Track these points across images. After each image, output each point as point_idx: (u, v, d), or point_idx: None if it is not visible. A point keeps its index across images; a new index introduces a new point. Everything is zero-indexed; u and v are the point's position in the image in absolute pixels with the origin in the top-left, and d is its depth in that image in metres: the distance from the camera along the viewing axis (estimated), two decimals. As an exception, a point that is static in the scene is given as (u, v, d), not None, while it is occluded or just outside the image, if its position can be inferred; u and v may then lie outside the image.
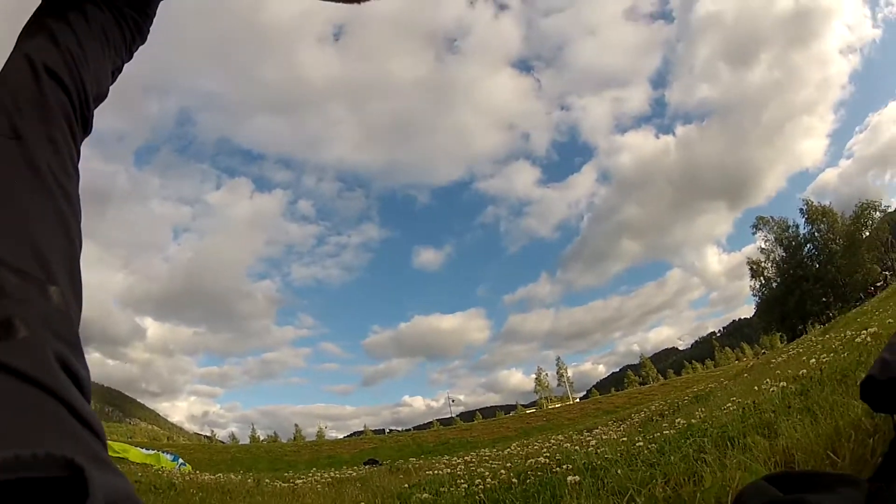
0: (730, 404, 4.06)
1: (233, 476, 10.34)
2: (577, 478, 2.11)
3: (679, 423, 4.06)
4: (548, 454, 3.98)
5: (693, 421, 3.69)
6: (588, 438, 6.01)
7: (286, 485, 5.27)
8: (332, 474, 6.68)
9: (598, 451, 3.37)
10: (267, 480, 5.69)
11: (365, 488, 4.08)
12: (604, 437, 5.79)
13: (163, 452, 26.88)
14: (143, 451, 27.28)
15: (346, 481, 5.31)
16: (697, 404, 7.32)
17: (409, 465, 7.48)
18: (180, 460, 24.68)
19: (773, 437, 2.15)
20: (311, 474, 7.45)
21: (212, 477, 6.64)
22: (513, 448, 7.59)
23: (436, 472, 5.01)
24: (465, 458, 7.31)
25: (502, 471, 3.20)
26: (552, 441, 7.74)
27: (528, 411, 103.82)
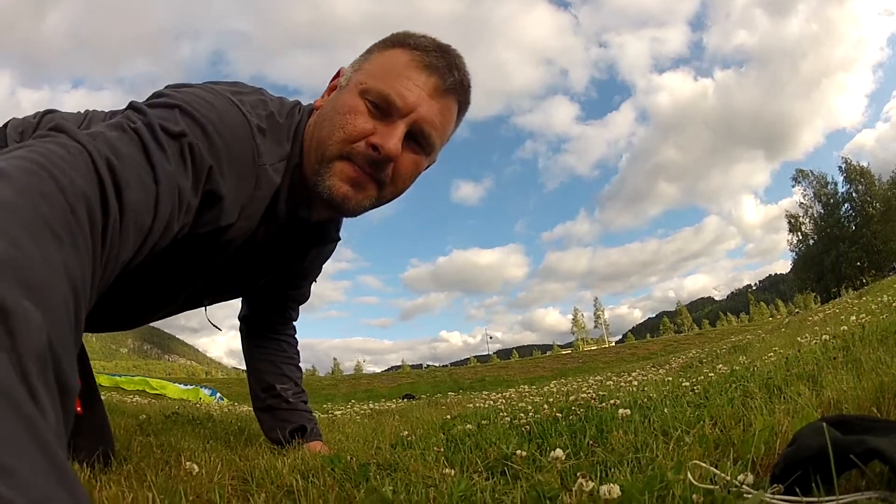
0: (771, 354, 4.04)
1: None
2: (628, 411, 2.12)
3: (721, 369, 4.05)
4: (590, 391, 3.99)
5: (736, 367, 3.68)
6: (629, 379, 6.00)
7: (325, 415, 5.34)
8: (370, 406, 6.75)
9: (643, 389, 3.38)
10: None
11: (405, 420, 4.12)
12: (644, 378, 5.78)
13: (201, 387, 27.14)
14: (182, 386, 27.52)
15: (385, 413, 5.36)
16: (737, 353, 7.27)
17: (448, 400, 7.53)
18: (218, 394, 24.94)
19: (818, 388, 2.15)
20: (349, 406, 7.51)
21: (249, 409, 6.76)
22: (551, 386, 7.61)
23: (476, 405, 5.04)
24: (504, 393, 7.33)
25: (545, 405, 3.22)
26: (591, 381, 7.74)
27: (563, 352, 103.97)
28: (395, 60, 1.73)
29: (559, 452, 1.61)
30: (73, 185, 0.93)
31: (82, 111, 2.16)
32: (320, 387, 49.86)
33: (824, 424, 1.05)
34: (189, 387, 27.51)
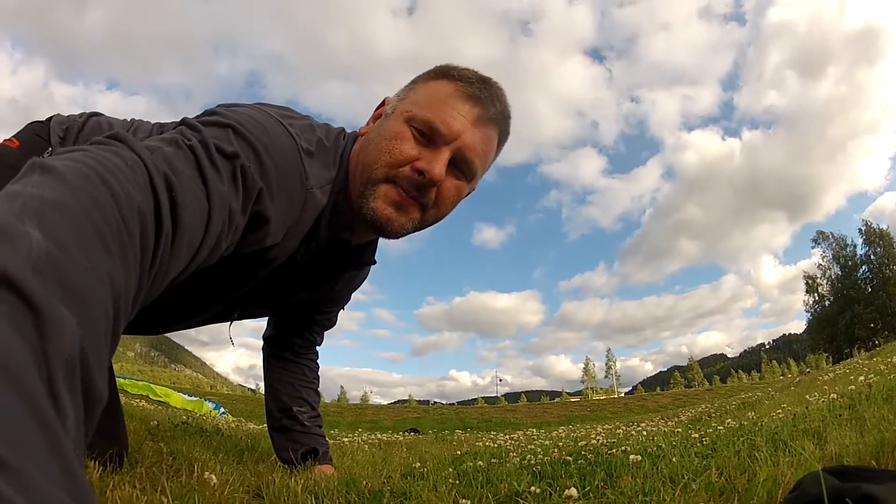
0: (780, 411, 4.07)
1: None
2: (638, 457, 2.17)
3: (729, 423, 4.09)
4: (599, 438, 4.02)
5: (744, 423, 3.72)
6: (639, 429, 6.00)
7: (333, 441, 5.37)
8: (377, 436, 6.77)
9: (652, 439, 3.42)
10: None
11: (413, 452, 4.15)
12: (653, 429, 5.79)
13: (205, 400, 26.98)
14: (186, 396, 27.21)
15: (393, 444, 5.38)
16: (746, 409, 7.28)
17: (455, 438, 7.53)
18: (222, 409, 24.79)
19: (822, 443, 2.20)
20: (356, 434, 7.54)
21: (257, 427, 6.76)
22: (560, 431, 7.62)
23: (485, 443, 5.07)
24: (512, 435, 7.34)
25: (554, 449, 3.26)
26: (599, 429, 7.74)
27: (572, 399, 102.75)
28: (440, 90, 1.79)
29: (573, 492, 1.67)
30: (129, 197, 0.94)
31: (128, 119, 2.24)
32: (325, 412, 47.85)
33: (822, 472, 1.11)
34: (194, 398, 27.26)
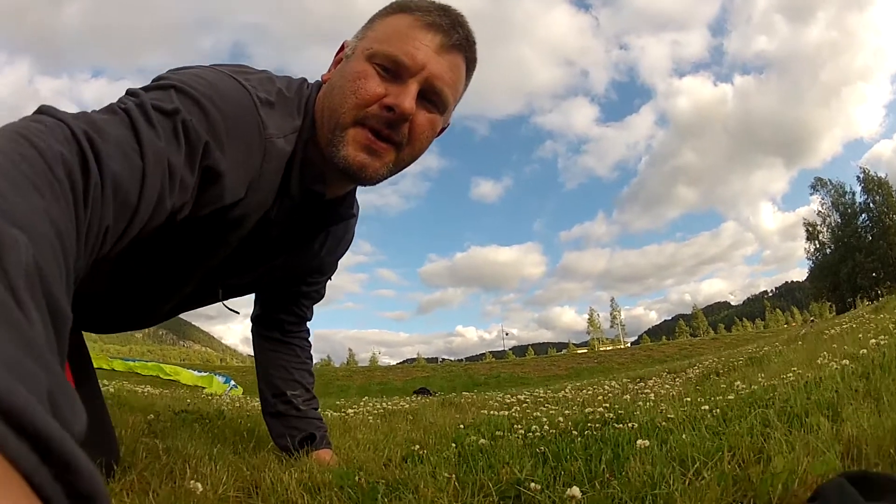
0: (790, 375, 3.97)
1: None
2: (646, 442, 2.09)
3: (738, 386, 4.00)
4: (606, 404, 3.94)
5: (755, 387, 3.62)
6: (645, 390, 5.93)
7: (337, 414, 5.30)
8: (383, 405, 6.72)
9: (661, 409, 3.34)
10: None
11: (416, 424, 4.08)
12: (661, 390, 5.71)
13: (215, 375, 27.20)
14: (196, 373, 27.62)
15: (398, 414, 5.31)
16: (753, 367, 7.20)
17: (462, 400, 7.47)
18: (232, 382, 25.01)
19: (838, 420, 2.11)
20: (362, 404, 7.49)
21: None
22: (567, 391, 7.49)
23: (490, 411, 5.00)
24: (519, 396, 7.26)
25: (560, 418, 3.18)
26: (606, 387, 7.67)
27: (579, 351, 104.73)
28: (399, 23, 1.74)
29: (576, 491, 1.59)
30: (51, 148, 0.95)
31: None
32: (335, 378, 50.19)
33: (844, 481, 1.02)
34: (203, 374, 27.60)
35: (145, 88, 1.39)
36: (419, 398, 9.34)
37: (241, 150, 1.55)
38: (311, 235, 2.24)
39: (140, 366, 28.24)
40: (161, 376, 25.11)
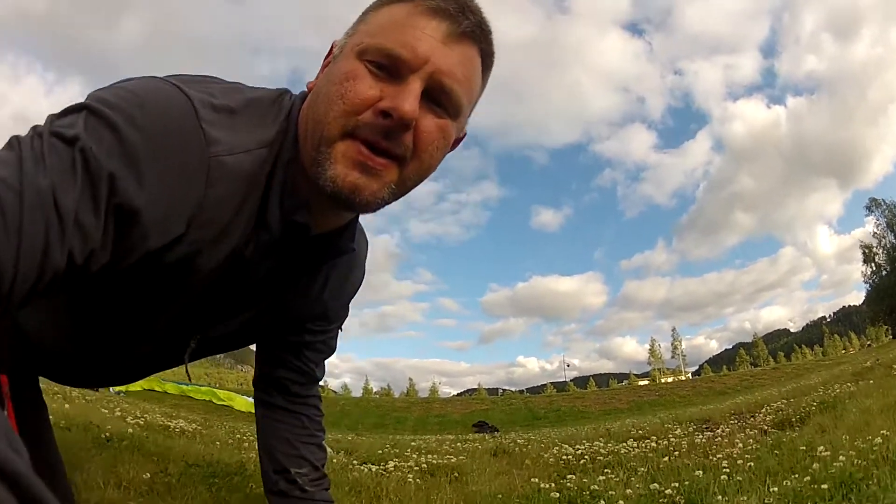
0: (879, 439, 3.42)
1: (330, 442, 10.05)
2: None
3: (820, 452, 3.47)
4: (675, 483, 3.40)
5: (842, 459, 3.08)
6: (714, 448, 5.40)
7: (376, 468, 4.85)
8: (427, 459, 6.22)
9: (737, 482, 2.81)
10: (355, 463, 5.38)
11: (459, 490, 3.63)
12: (733, 450, 5.13)
13: None
14: (249, 399, 27.90)
15: (441, 470, 4.88)
16: (826, 414, 6.68)
17: (518, 448, 7.05)
18: None
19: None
20: (408, 453, 6.99)
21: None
22: (629, 444, 6.88)
23: (549, 470, 4.55)
24: (576, 449, 6.72)
25: (621, 502, 2.70)
26: (672, 438, 7.07)
27: (640, 382, 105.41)
28: (396, 13, 1.42)
29: None
30: None
31: None
32: (392, 409, 51.32)
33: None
34: None
35: (62, 112, 1.21)
36: (477, 432, 9.06)
37: (172, 177, 1.26)
38: (301, 275, 1.84)
39: (193, 390, 28.55)
40: (214, 401, 25.42)
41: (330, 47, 1.55)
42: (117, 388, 30.57)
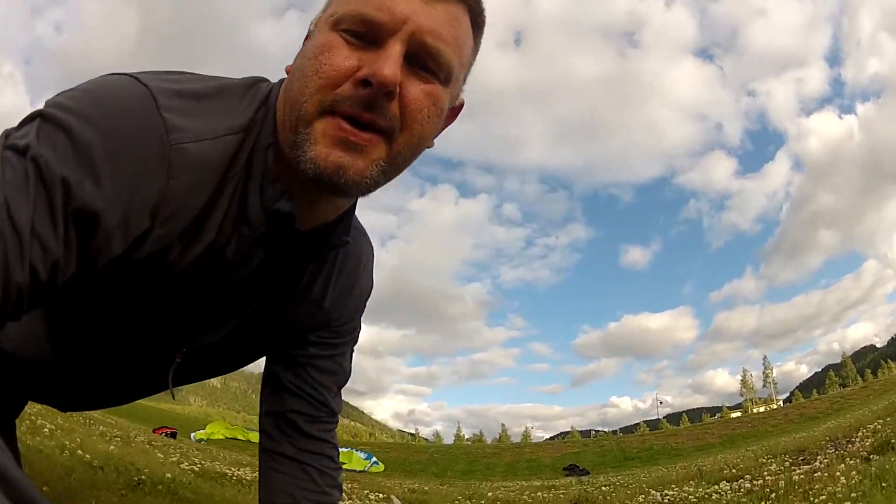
0: None
1: (405, 492, 9.86)
2: None
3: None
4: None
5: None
6: (814, 481, 5.01)
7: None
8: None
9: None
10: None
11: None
12: (836, 487, 4.72)
13: (356, 451, 27.47)
14: None
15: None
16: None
17: (602, 496, 6.74)
18: (373, 458, 25.18)
19: None
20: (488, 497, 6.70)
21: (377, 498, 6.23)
22: (721, 487, 6.50)
23: None
24: (667, 494, 6.38)
25: None
26: (767, 475, 6.64)
27: (732, 415, 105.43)
28: None
29: None
30: None
31: None
32: (482, 455, 51.25)
33: None
34: (344, 449, 28.10)
35: (19, 124, 1.16)
36: (567, 475, 8.89)
37: (131, 170, 1.16)
38: (292, 275, 1.63)
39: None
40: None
41: (308, 28, 1.41)
42: (199, 436, 30.95)
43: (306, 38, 1.38)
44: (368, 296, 1.98)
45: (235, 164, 1.32)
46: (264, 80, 1.46)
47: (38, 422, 5.27)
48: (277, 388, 1.91)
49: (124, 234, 1.20)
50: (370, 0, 1.23)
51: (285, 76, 1.42)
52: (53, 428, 5.25)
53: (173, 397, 1.94)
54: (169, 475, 4.54)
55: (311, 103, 1.24)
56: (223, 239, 1.37)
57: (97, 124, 1.13)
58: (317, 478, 1.88)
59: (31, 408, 5.30)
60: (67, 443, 4.62)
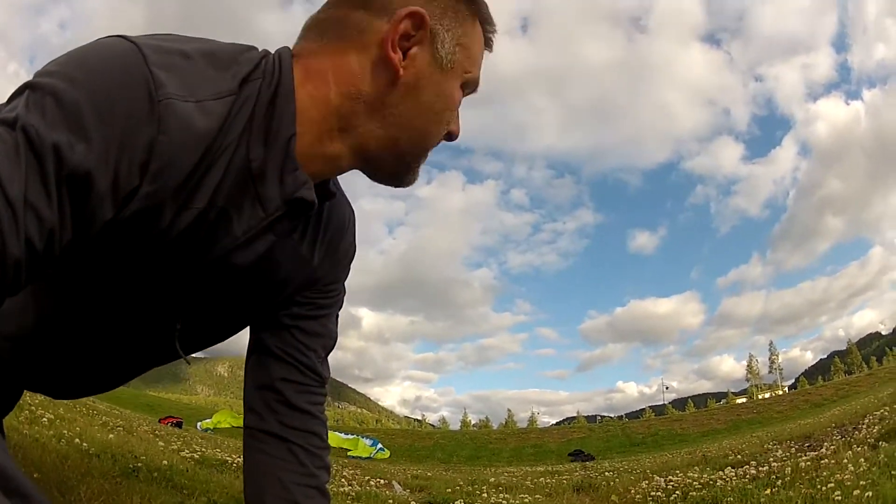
0: None
1: (407, 477, 9.84)
2: None
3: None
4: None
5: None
6: (821, 468, 4.96)
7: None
8: (500, 500, 5.86)
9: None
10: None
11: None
12: (844, 474, 4.66)
13: (362, 437, 27.67)
14: (342, 435, 28.41)
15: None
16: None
17: (605, 481, 6.73)
18: (379, 445, 25.38)
19: None
20: (479, 492, 6.66)
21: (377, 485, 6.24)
22: (726, 473, 6.40)
23: (636, 500, 4.19)
24: (670, 481, 6.32)
25: None
26: (773, 462, 6.59)
27: (737, 400, 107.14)
28: (477, 39, 1.50)
29: None
30: None
31: None
32: (488, 441, 51.86)
33: None
34: (350, 436, 28.33)
35: (8, 98, 1.15)
36: (572, 461, 8.91)
37: (119, 125, 1.13)
38: (296, 247, 1.65)
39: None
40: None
41: (417, 17, 1.37)
42: (205, 426, 31.08)
43: (404, 18, 1.35)
44: (352, 258, 1.93)
45: (229, 129, 1.28)
46: (255, 48, 1.41)
47: (38, 412, 5.23)
48: (263, 354, 1.82)
49: (116, 192, 1.17)
50: (476, 74, 1.50)
51: (285, 47, 1.43)
52: (53, 417, 5.20)
53: (188, 363, 1.92)
54: (166, 462, 4.49)
55: (432, 144, 1.50)
56: (215, 210, 1.32)
57: (83, 82, 1.12)
58: (304, 458, 1.78)
59: (33, 399, 5.28)
60: (66, 432, 4.58)
